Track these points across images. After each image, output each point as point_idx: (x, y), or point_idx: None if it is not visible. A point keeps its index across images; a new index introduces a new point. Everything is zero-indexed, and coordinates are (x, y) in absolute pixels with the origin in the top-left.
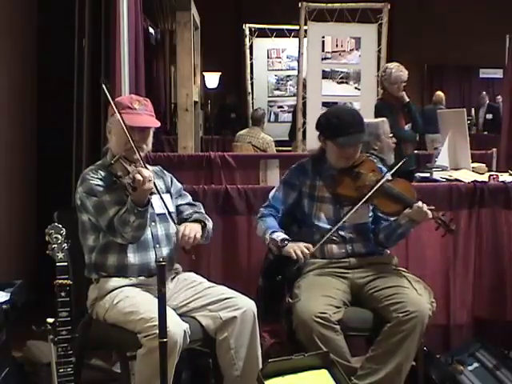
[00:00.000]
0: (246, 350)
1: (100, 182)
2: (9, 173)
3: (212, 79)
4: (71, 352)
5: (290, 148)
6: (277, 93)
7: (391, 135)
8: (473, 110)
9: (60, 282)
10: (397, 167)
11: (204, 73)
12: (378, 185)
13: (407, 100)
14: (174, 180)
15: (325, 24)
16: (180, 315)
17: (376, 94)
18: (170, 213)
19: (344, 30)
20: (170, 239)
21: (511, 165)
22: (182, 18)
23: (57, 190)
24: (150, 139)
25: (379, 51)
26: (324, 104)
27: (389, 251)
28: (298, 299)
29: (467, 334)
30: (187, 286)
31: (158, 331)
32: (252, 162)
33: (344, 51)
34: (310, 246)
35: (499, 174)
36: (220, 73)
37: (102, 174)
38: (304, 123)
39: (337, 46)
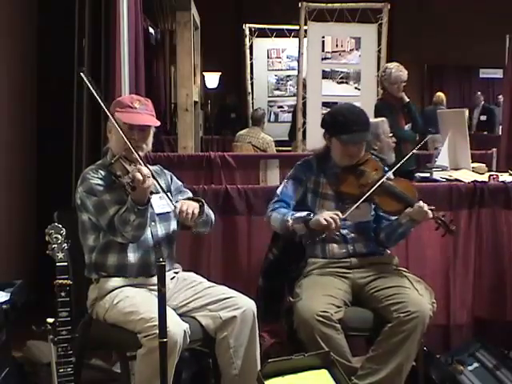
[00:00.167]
0: (245, 350)
1: (100, 182)
2: (9, 173)
3: (212, 79)
4: (71, 352)
5: (289, 148)
6: (277, 93)
7: (391, 135)
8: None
9: (60, 281)
10: (399, 165)
11: (204, 73)
12: (381, 181)
13: (407, 100)
14: (174, 177)
15: (325, 24)
16: (180, 315)
17: (376, 94)
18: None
19: (344, 29)
20: (170, 239)
21: (511, 165)
22: (182, 17)
23: (57, 189)
24: (151, 139)
25: (379, 51)
26: (324, 104)
27: (389, 251)
28: (300, 298)
29: (467, 333)
30: (187, 286)
31: (157, 331)
32: (252, 161)
33: (344, 51)
34: (339, 212)
35: (499, 173)
36: (220, 73)
37: (102, 173)
38: (304, 123)
39: (337, 45)
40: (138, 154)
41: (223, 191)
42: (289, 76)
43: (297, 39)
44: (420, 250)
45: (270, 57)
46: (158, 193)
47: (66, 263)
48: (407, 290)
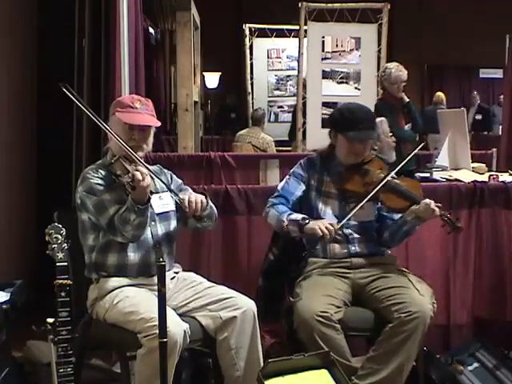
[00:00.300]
0: (247, 350)
1: (100, 181)
2: (9, 173)
3: (212, 79)
4: (71, 352)
5: (289, 148)
6: (277, 93)
7: (391, 134)
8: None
9: (60, 281)
10: (401, 165)
11: (204, 73)
12: (386, 179)
13: (407, 100)
14: (174, 176)
15: (325, 24)
16: (180, 315)
17: (376, 94)
18: (170, 190)
19: (344, 29)
20: (170, 238)
21: (511, 165)
22: (182, 17)
23: (57, 189)
24: (151, 139)
25: (379, 51)
26: (324, 104)
27: (389, 251)
28: (300, 298)
29: (467, 333)
30: (187, 286)
31: (157, 331)
32: (252, 161)
33: (344, 51)
34: (334, 222)
35: (499, 173)
36: (220, 73)
37: (103, 173)
38: (304, 123)
39: (337, 46)
40: (136, 156)
41: (223, 191)
42: (289, 76)
43: (297, 39)
44: (420, 250)
45: (270, 57)
46: (157, 192)
47: (65, 263)
48: (408, 290)
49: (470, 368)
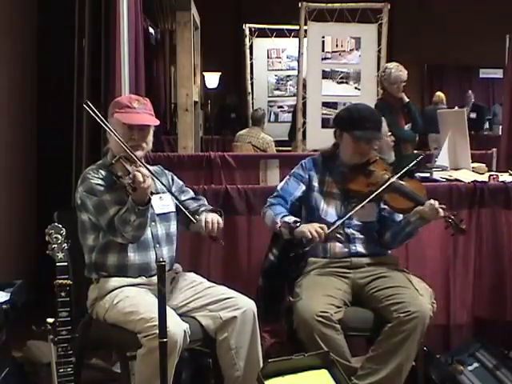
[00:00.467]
0: (247, 350)
1: (100, 182)
2: (9, 173)
3: (212, 79)
4: (71, 352)
5: (289, 148)
6: (277, 93)
7: (389, 134)
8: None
9: (60, 281)
10: (406, 169)
11: (204, 73)
12: (391, 180)
13: (407, 100)
14: (175, 177)
15: (325, 24)
16: (180, 315)
17: (376, 94)
18: (183, 211)
19: (344, 29)
20: (170, 239)
21: (511, 165)
22: (182, 17)
23: (57, 189)
24: (151, 138)
25: (379, 51)
26: (324, 104)
27: (389, 251)
28: (300, 298)
29: (467, 333)
30: (187, 286)
31: (157, 331)
32: (252, 162)
33: (344, 51)
34: (325, 226)
35: (499, 173)
36: (220, 73)
37: (103, 173)
38: (304, 123)
39: (337, 46)
40: (137, 157)
41: (223, 191)
42: (289, 76)
43: (297, 39)
44: (420, 250)
45: (270, 57)
46: (158, 193)
47: (65, 263)
48: (407, 290)
49: (470, 368)
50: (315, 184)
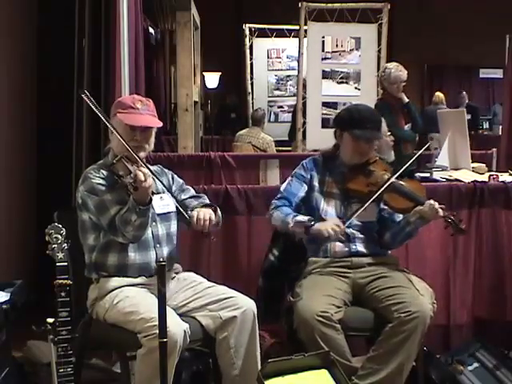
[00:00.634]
0: (245, 350)
1: (102, 181)
2: (9, 173)
3: (212, 79)
4: (71, 352)
5: (289, 148)
6: (277, 93)
7: (389, 133)
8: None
9: (60, 281)
10: (404, 168)
11: (204, 73)
12: (391, 180)
13: (406, 100)
14: (175, 176)
15: (325, 24)
16: (180, 315)
17: (376, 94)
18: (177, 207)
19: (344, 29)
20: (170, 239)
21: (511, 165)
22: (182, 17)
23: (57, 189)
24: (152, 139)
25: (379, 51)
26: (324, 104)
27: (390, 251)
28: (300, 298)
29: (467, 333)
30: (187, 286)
31: (157, 331)
32: (252, 162)
33: (344, 51)
34: (340, 223)
35: (499, 173)
36: (220, 73)
37: (104, 173)
38: (304, 123)
39: (337, 46)
40: (139, 156)
41: (223, 191)
42: (289, 76)
43: (297, 39)
44: (420, 250)
45: (270, 57)
46: (158, 193)
47: (65, 263)
48: (408, 289)
49: (470, 368)
50: (316, 184)
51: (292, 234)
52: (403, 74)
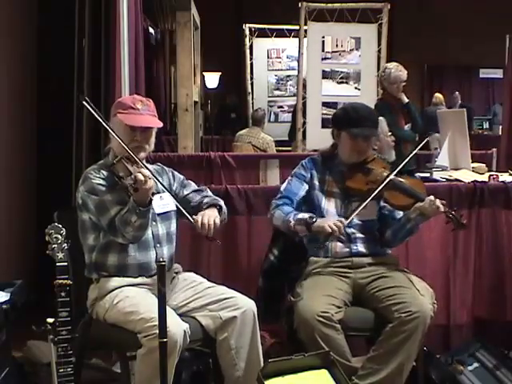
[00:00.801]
0: (247, 350)
1: (102, 182)
2: (9, 173)
3: (212, 79)
4: (71, 352)
5: (289, 148)
6: (277, 93)
7: (390, 133)
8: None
9: (60, 282)
10: (401, 165)
11: (204, 73)
12: (390, 178)
13: (406, 100)
14: (175, 173)
15: (325, 24)
16: (180, 315)
17: (376, 94)
18: (181, 210)
19: (344, 29)
20: (170, 238)
21: (511, 165)
22: (182, 17)
23: (57, 189)
24: (153, 139)
25: (379, 51)
26: (324, 104)
27: (390, 251)
28: (300, 298)
29: (467, 333)
30: (187, 286)
31: (158, 331)
32: (252, 162)
33: (344, 51)
34: (342, 219)
35: (499, 173)
36: (220, 73)
37: (104, 173)
38: (304, 123)
39: (337, 46)
40: (138, 158)
41: (223, 191)
42: (289, 76)
43: (297, 39)
44: (420, 250)
45: (270, 57)
46: (158, 193)
47: (65, 263)
48: (408, 290)
49: (470, 368)
50: (316, 183)
51: (292, 234)
52: (403, 73)
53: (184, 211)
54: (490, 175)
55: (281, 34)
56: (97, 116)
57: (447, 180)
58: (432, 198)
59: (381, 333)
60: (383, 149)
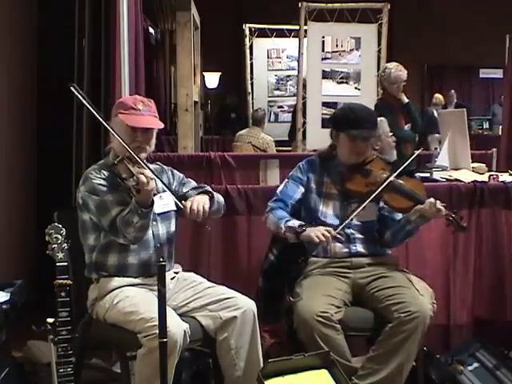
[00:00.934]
0: (247, 350)
1: (103, 182)
2: (9, 173)
3: (212, 79)
4: (71, 352)
5: (289, 148)
6: (277, 93)
7: (391, 134)
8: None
9: (60, 282)
10: (402, 167)
11: (204, 73)
12: (389, 179)
13: (406, 101)
14: (174, 171)
15: (325, 24)
16: (180, 315)
17: (376, 94)
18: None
19: (344, 29)
20: (170, 238)
21: (511, 165)
22: (182, 17)
23: (57, 189)
24: (153, 140)
25: (379, 51)
26: (324, 104)
27: (390, 251)
28: (300, 298)
29: (467, 333)
30: (187, 286)
31: (158, 331)
32: (252, 162)
33: (344, 51)
34: (331, 229)
35: (499, 173)
36: (220, 73)
37: (105, 173)
38: (304, 123)
39: (337, 46)
40: (140, 158)
41: (223, 191)
42: (289, 76)
43: (297, 39)
44: (420, 250)
45: (270, 57)
46: (158, 192)
47: (65, 263)
48: (408, 290)
49: (470, 368)
50: (313, 186)
51: (287, 239)
52: (403, 73)
53: (174, 197)
54: (490, 175)
55: (281, 33)
56: (85, 102)
57: (447, 180)
58: (432, 200)
59: (380, 333)
60: (384, 149)
